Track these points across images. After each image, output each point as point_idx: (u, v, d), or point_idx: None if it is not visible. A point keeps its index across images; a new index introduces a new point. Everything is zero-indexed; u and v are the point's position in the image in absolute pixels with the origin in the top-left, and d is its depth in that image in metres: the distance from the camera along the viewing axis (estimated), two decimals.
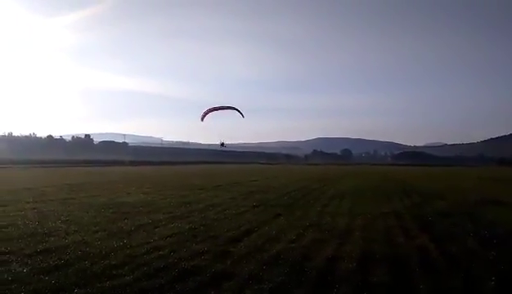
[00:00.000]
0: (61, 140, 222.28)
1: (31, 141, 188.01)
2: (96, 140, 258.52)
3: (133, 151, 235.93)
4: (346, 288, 7.59)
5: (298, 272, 8.55)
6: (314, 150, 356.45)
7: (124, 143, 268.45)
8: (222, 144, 30.27)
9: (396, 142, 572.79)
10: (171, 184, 34.64)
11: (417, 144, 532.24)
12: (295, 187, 32.36)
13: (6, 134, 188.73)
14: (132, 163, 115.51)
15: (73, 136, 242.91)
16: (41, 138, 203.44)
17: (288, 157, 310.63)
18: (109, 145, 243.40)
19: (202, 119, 24.90)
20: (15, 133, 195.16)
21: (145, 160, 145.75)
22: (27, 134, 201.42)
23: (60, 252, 9.67)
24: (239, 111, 25.42)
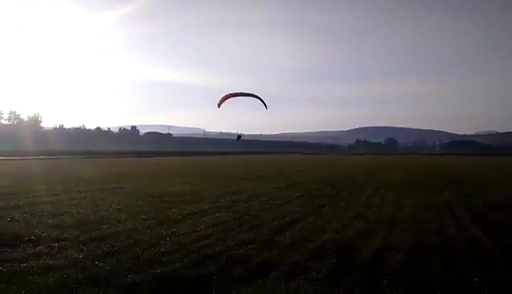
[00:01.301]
0: (109, 131, 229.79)
1: (81, 133, 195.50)
2: (142, 131, 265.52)
3: (177, 142, 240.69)
4: (396, 280, 7.43)
5: (345, 263, 8.47)
6: (358, 140, 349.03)
7: (169, 134, 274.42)
8: (239, 137, 29.45)
9: (444, 130, 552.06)
10: (214, 174, 35.13)
11: (467, 133, 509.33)
12: (339, 177, 31.97)
13: (58, 126, 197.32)
14: (175, 154, 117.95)
15: (120, 128, 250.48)
16: (90, 130, 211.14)
17: (331, 147, 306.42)
18: (154, 136, 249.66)
19: (219, 106, 24.40)
20: (66, 125, 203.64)
21: (189, 150, 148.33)
22: (77, 126, 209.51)
23: (113, 239, 10.05)
24: (261, 100, 24.50)
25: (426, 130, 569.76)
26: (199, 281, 7.32)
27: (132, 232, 10.96)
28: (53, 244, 9.51)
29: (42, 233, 10.65)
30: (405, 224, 12.69)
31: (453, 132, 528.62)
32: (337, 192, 21.33)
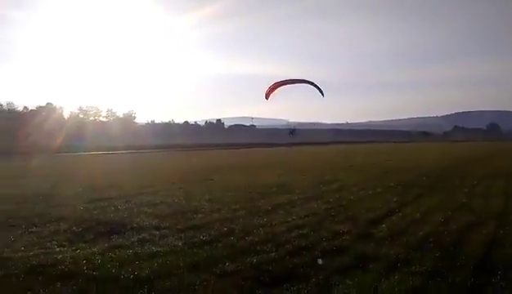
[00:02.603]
0: (196, 125, 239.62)
1: (170, 127, 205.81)
2: (227, 123, 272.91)
3: (261, 133, 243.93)
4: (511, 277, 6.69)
5: (450, 256, 7.87)
6: (455, 126, 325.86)
7: (252, 126, 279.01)
8: (292, 132, 26.86)
9: None
10: (301, 164, 34.94)
11: None
12: (435, 166, 30.10)
13: (150, 121, 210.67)
14: (259, 145, 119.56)
15: (206, 121, 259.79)
16: (178, 124, 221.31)
17: (425, 134, 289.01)
18: (238, 129, 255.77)
19: (267, 97, 22.61)
20: (157, 120, 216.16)
21: (273, 142, 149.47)
22: (166, 121, 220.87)
23: (208, 228, 10.34)
24: (316, 86, 22.30)
25: None
26: (295, 271, 7.22)
27: (225, 221, 11.18)
28: (154, 232, 10.01)
29: (144, 221, 11.25)
30: None
31: None
32: (435, 181, 20.06)
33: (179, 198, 15.62)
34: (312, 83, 21.54)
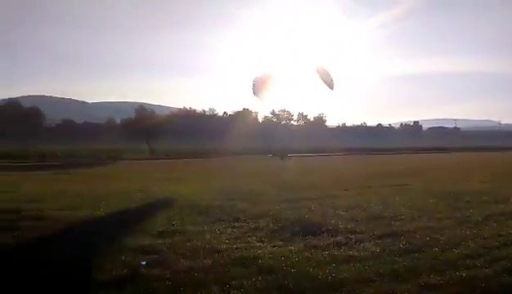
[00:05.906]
0: (390, 128, 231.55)
1: (362, 130, 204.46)
2: (425, 126, 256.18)
3: (465, 136, 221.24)
4: None
5: None
6: None
7: (455, 128, 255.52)
8: (282, 156, 23.19)
9: None
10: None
11: None
12: None
13: (340, 124, 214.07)
14: (463, 149, 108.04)
15: (401, 124, 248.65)
16: (371, 127, 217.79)
17: None
18: (438, 131, 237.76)
19: (257, 94, 18.08)
20: (348, 123, 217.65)
21: (481, 145, 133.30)
22: (358, 124, 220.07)
23: (408, 236, 9.74)
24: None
25: None
26: None
27: (428, 230, 10.38)
28: (350, 236, 9.90)
29: (338, 224, 11.18)
30: None
31: None
32: None
33: (375, 202, 15.10)
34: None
